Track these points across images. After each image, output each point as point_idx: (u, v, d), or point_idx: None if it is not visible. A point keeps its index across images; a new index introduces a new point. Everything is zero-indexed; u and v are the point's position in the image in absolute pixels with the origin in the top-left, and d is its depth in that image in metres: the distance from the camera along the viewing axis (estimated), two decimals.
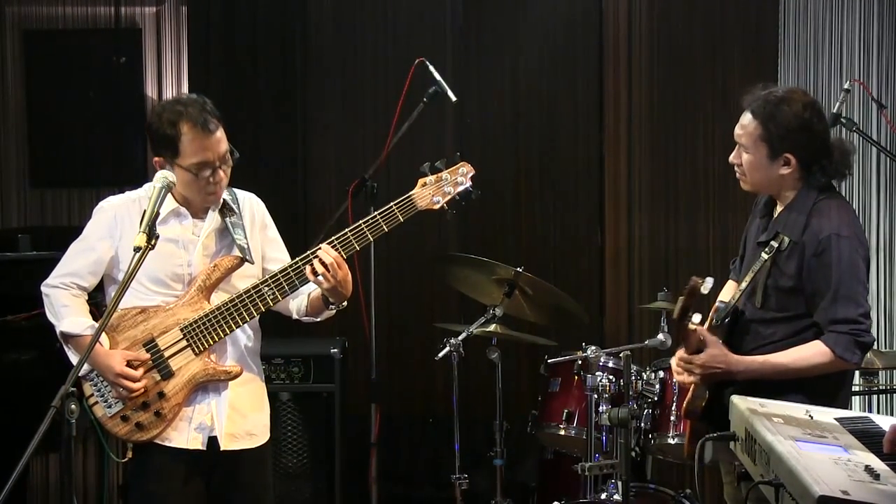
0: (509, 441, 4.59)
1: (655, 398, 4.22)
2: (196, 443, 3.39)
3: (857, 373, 4.70)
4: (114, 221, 3.41)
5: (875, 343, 5.37)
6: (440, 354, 4.43)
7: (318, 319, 3.56)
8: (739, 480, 3.29)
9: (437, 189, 3.41)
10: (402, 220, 3.37)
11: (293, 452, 4.85)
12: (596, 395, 4.23)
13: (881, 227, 5.59)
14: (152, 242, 2.92)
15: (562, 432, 4.43)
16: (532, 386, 5.24)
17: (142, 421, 3.35)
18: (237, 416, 3.44)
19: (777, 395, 2.98)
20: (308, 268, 3.32)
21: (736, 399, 2.83)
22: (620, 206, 5.77)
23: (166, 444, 3.38)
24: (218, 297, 3.40)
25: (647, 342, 4.28)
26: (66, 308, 3.38)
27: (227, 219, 3.44)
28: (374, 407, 4.68)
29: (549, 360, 4.49)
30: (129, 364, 3.32)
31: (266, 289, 3.35)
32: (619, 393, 4.22)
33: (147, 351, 3.35)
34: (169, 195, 3.27)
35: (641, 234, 5.75)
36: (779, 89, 3.35)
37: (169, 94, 5.95)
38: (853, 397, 5.08)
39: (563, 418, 4.41)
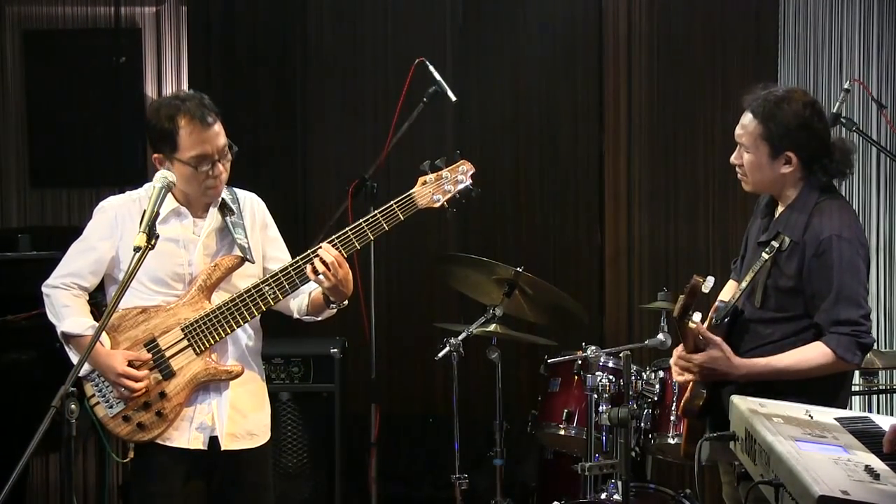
0: (509, 441, 4.59)
1: (655, 398, 4.22)
2: (197, 443, 3.39)
3: (856, 373, 4.70)
4: (114, 221, 3.41)
5: (875, 343, 5.40)
6: (440, 354, 4.43)
7: (319, 319, 3.56)
8: (739, 480, 3.29)
9: (438, 187, 3.41)
10: (402, 218, 3.37)
11: (293, 452, 4.85)
12: (596, 395, 4.23)
13: (881, 227, 5.59)
14: (152, 242, 2.92)
15: (562, 432, 4.43)
16: (532, 386, 5.24)
17: (143, 421, 3.35)
18: (238, 415, 3.44)
19: (776, 395, 2.98)
20: (309, 267, 3.32)
21: (736, 399, 2.83)
22: (620, 206, 5.77)
23: (168, 444, 3.38)
24: (219, 297, 3.40)
25: (647, 342, 4.28)
26: (67, 308, 3.38)
27: (228, 218, 3.44)
28: (374, 407, 4.68)
29: (549, 360, 4.49)
30: (130, 364, 3.32)
31: (267, 288, 3.35)
32: (619, 393, 4.22)
33: (148, 351, 3.35)
34: (169, 195, 3.28)
35: (641, 234, 5.75)
36: (779, 89, 3.35)
37: (169, 93, 5.95)
38: (853, 397, 5.09)
39: (563, 418, 4.41)
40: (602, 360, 4.32)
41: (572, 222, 5.87)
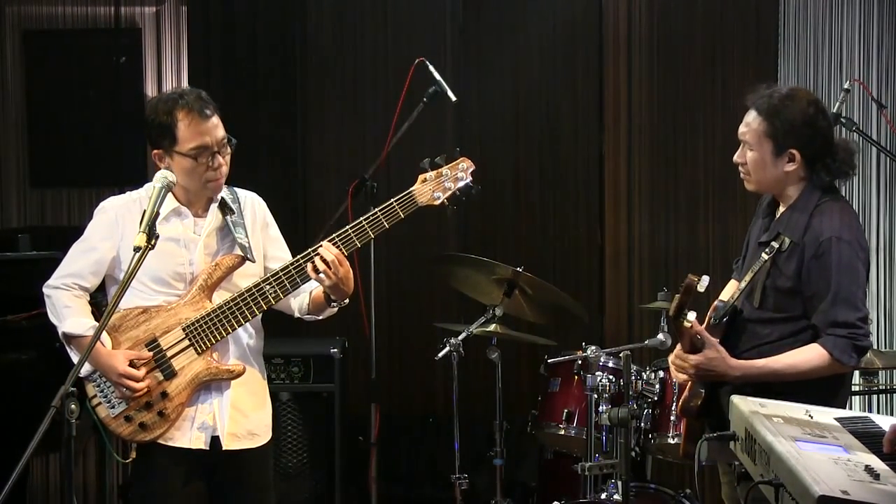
0: (509, 441, 4.59)
1: (655, 398, 4.22)
2: (199, 442, 3.39)
3: (857, 373, 4.70)
4: (115, 222, 3.41)
5: (875, 343, 5.41)
6: (440, 354, 4.43)
7: (320, 318, 3.56)
8: (739, 480, 3.29)
9: (438, 184, 3.40)
10: (402, 216, 3.37)
11: (293, 452, 4.85)
12: (596, 395, 4.22)
13: (881, 227, 5.59)
14: (152, 242, 2.92)
15: (562, 432, 4.43)
16: (532, 386, 5.24)
17: (145, 421, 3.35)
18: (239, 415, 3.44)
19: (775, 395, 2.98)
20: (309, 265, 3.32)
21: (736, 399, 2.83)
22: (620, 206, 5.77)
23: (169, 444, 3.38)
24: (220, 296, 3.40)
25: (647, 342, 4.28)
26: (68, 309, 3.38)
27: (228, 218, 3.44)
28: (374, 407, 4.68)
29: (549, 360, 4.49)
30: (131, 364, 3.32)
31: (267, 287, 3.35)
32: (619, 393, 4.22)
33: (149, 351, 3.35)
34: (170, 195, 3.28)
35: (641, 234, 5.75)
36: (783, 88, 3.36)
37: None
38: (853, 397, 5.09)
39: (563, 418, 4.41)
40: (602, 360, 4.32)
41: (572, 222, 5.87)
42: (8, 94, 6.03)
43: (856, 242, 3.23)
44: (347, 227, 3.36)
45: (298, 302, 3.55)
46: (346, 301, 3.45)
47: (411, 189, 3.39)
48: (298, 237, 4.92)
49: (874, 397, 5.42)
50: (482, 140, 5.80)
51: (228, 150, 3.40)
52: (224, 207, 3.46)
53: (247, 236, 3.45)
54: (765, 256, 3.29)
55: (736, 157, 3.39)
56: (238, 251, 3.41)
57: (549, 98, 5.87)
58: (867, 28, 5.58)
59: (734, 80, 5.59)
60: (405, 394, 5.80)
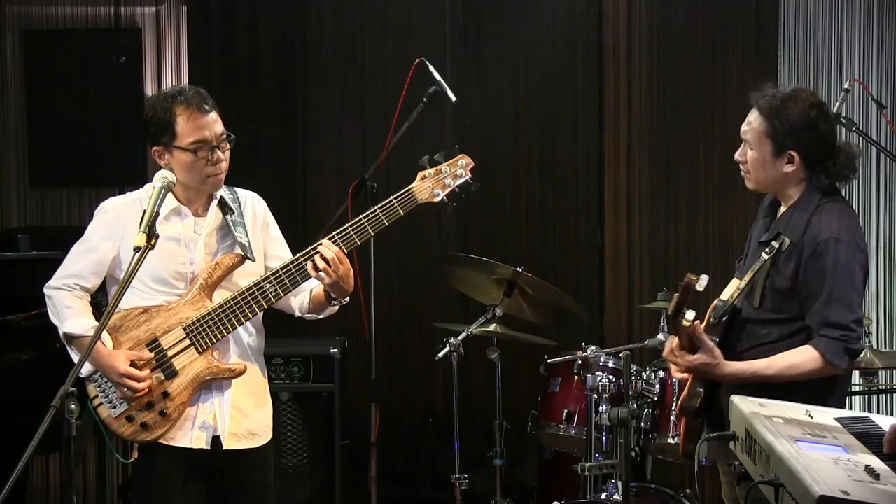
0: (509, 441, 4.59)
1: (655, 398, 4.22)
2: (200, 442, 3.39)
3: (856, 373, 4.70)
4: (115, 222, 3.41)
5: (875, 343, 5.41)
6: (440, 354, 4.43)
7: (321, 317, 3.56)
8: (739, 480, 3.29)
9: (437, 181, 3.40)
10: (402, 213, 3.37)
11: (293, 452, 4.85)
12: (596, 395, 4.22)
13: (881, 227, 5.59)
14: (152, 242, 2.92)
15: (562, 432, 4.43)
16: (532, 386, 5.24)
17: (147, 421, 3.35)
18: (239, 415, 3.44)
19: (774, 392, 2.99)
20: (309, 263, 3.32)
21: (736, 399, 2.83)
22: (620, 206, 5.77)
23: (171, 443, 3.37)
24: (220, 296, 3.40)
25: (647, 342, 4.28)
26: (69, 309, 3.37)
27: (228, 217, 3.45)
28: (374, 407, 4.68)
29: (549, 360, 4.49)
30: (132, 364, 3.31)
31: (268, 285, 3.35)
32: (619, 393, 4.22)
33: (150, 351, 3.35)
34: (170, 194, 3.28)
35: (641, 234, 5.75)
36: (787, 88, 3.35)
37: None
38: (853, 397, 5.09)
39: (563, 418, 4.41)
40: (602, 360, 4.32)
41: (572, 222, 5.87)
42: (8, 94, 6.03)
43: (854, 244, 3.22)
44: (347, 224, 3.36)
45: (299, 301, 3.55)
46: (347, 299, 3.45)
47: (410, 186, 3.39)
48: (298, 237, 4.91)
49: (874, 397, 5.42)
50: (482, 140, 5.80)
51: (228, 146, 3.40)
52: (224, 207, 3.46)
53: (247, 235, 3.45)
54: (765, 256, 3.29)
55: (737, 155, 3.39)
56: (238, 250, 3.41)
57: (549, 98, 5.87)
58: (867, 28, 5.59)
59: (734, 81, 5.60)
60: (405, 394, 5.80)
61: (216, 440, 3.40)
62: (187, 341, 3.35)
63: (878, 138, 5.43)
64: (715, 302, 3.39)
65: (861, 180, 5.53)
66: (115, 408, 3.35)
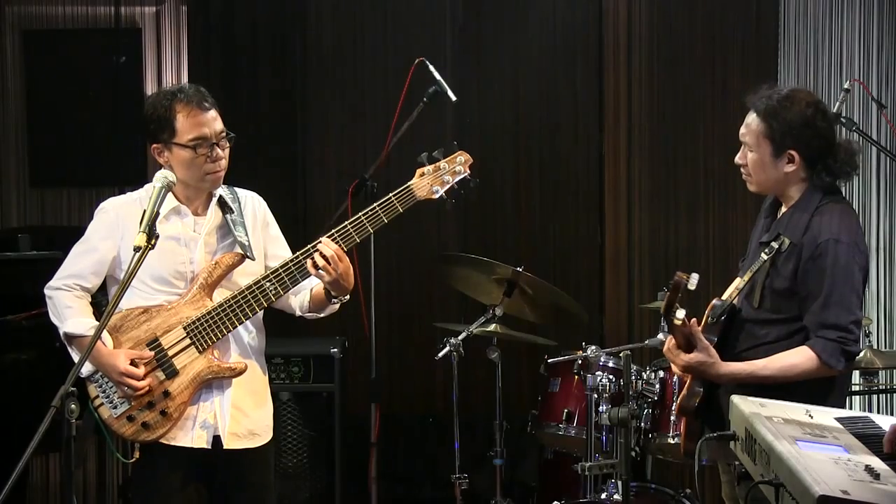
0: (509, 441, 4.59)
1: (655, 398, 4.22)
2: (201, 441, 3.38)
3: (856, 372, 4.70)
4: (115, 222, 3.41)
5: (875, 343, 5.41)
6: (440, 354, 4.43)
7: (322, 315, 3.56)
8: (739, 480, 3.29)
9: (436, 179, 3.41)
10: (401, 210, 3.37)
11: (293, 452, 4.85)
12: (596, 395, 4.22)
13: (881, 227, 5.59)
14: (152, 242, 2.92)
15: (562, 432, 4.43)
16: (532, 386, 5.24)
17: (148, 420, 3.35)
18: (240, 414, 3.44)
19: (774, 392, 2.99)
20: (309, 261, 3.32)
21: (736, 399, 2.83)
22: (620, 206, 5.77)
23: (172, 443, 3.37)
24: (220, 295, 3.40)
25: (647, 342, 4.27)
26: (69, 309, 3.37)
27: (228, 216, 3.45)
28: (374, 407, 4.68)
29: (549, 360, 4.49)
30: (133, 363, 3.31)
31: (267, 284, 3.35)
32: (619, 393, 4.21)
33: (151, 350, 3.35)
34: (169, 194, 3.28)
35: (641, 234, 5.76)
36: (783, 89, 3.35)
37: None
38: (853, 397, 5.09)
39: (563, 418, 4.41)
40: (602, 359, 4.31)
41: (572, 222, 5.87)
42: (8, 94, 6.03)
43: (854, 246, 3.22)
44: (346, 222, 3.36)
45: (299, 300, 3.55)
46: (347, 297, 3.45)
47: (409, 183, 3.40)
48: (299, 237, 4.92)
49: (874, 397, 5.42)
50: (482, 140, 5.80)
51: (227, 144, 3.41)
52: (223, 206, 3.46)
53: (247, 235, 3.45)
54: (764, 256, 3.29)
55: (737, 159, 3.39)
56: (238, 250, 3.41)
57: (549, 98, 5.87)
58: (867, 28, 5.59)
59: (734, 81, 5.60)
60: (405, 394, 5.80)
61: (217, 440, 3.40)
62: (187, 340, 3.35)
63: (878, 138, 5.44)
64: (714, 301, 3.39)
65: (861, 180, 5.53)
66: (115, 408, 3.35)
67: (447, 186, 3.41)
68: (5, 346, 4.44)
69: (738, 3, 5.70)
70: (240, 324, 3.38)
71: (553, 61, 5.86)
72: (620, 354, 4.04)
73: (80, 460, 4.84)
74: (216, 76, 5.87)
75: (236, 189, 3.56)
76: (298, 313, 3.58)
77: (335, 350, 4.85)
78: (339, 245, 3.32)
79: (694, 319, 3.26)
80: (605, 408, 4.19)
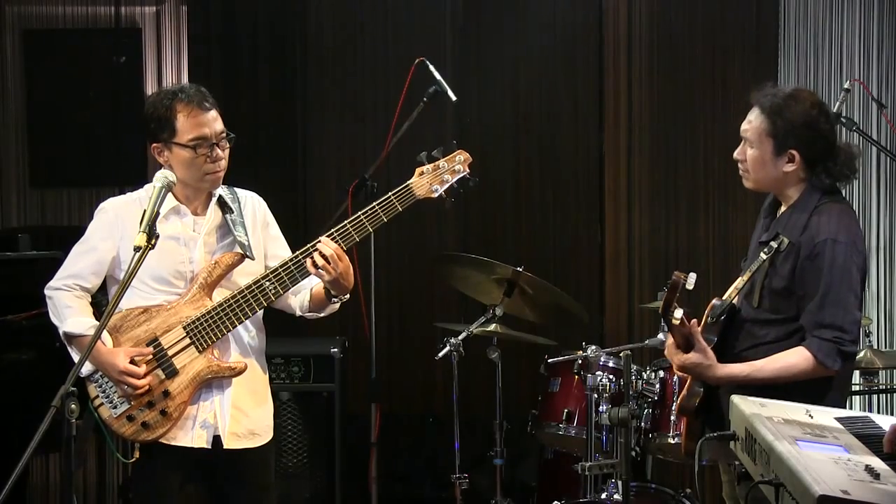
0: (509, 441, 4.59)
1: (655, 398, 4.22)
2: (201, 441, 3.38)
3: (857, 372, 4.70)
4: (115, 222, 3.41)
5: (875, 343, 5.41)
6: (440, 354, 4.43)
7: (322, 315, 3.56)
8: (739, 480, 3.28)
9: (435, 177, 3.41)
10: (400, 209, 3.37)
11: (293, 452, 4.85)
12: (596, 395, 4.22)
13: (881, 227, 5.59)
14: (152, 242, 2.92)
15: (562, 432, 4.43)
16: (532, 386, 5.24)
17: (148, 420, 3.35)
18: (240, 414, 3.44)
19: (773, 391, 2.99)
20: (308, 261, 3.32)
21: (736, 399, 2.83)
22: (620, 206, 5.77)
23: (172, 443, 3.37)
24: (220, 295, 3.40)
25: (647, 342, 4.28)
26: (69, 309, 3.38)
27: (228, 216, 3.45)
28: (374, 407, 4.68)
29: (549, 360, 4.49)
30: (132, 361, 3.31)
31: (267, 283, 3.35)
32: (619, 393, 4.21)
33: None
34: (169, 194, 3.28)
35: (641, 234, 5.76)
36: (788, 87, 3.35)
37: None
38: (853, 397, 5.09)
39: (563, 418, 4.41)
40: (602, 359, 4.31)
41: (572, 222, 5.87)
42: (8, 94, 6.03)
43: (852, 246, 3.22)
44: (346, 221, 3.36)
45: (299, 300, 3.55)
46: (347, 296, 3.45)
47: (409, 182, 3.40)
48: (299, 237, 4.92)
49: (874, 397, 5.42)
50: (482, 140, 5.80)
51: (227, 144, 3.41)
52: (223, 206, 3.46)
53: (246, 235, 3.45)
54: (763, 256, 3.29)
55: (736, 154, 3.39)
56: (238, 249, 3.41)
57: (549, 98, 5.87)
58: (867, 28, 5.59)
59: (734, 81, 5.60)
60: (405, 394, 5.80)
61: (217, 439, 3.40)
62: (187, 340, 3.35)
63: (879, 138, 5.44)
64: (713, 301, 3.39)
65: (861, 180, 5.53)
66: (115, 407, 3.35)
67: (446, 185, 3.41)
68: (5, 346, 4.44)
69: (738, 4, 5.70)
70: (239, 323, 3.38)
71: (553, 61, 5.86)
72: (620, 354, 4.03)
73: (80, 460, 4.84)
74: (216, 76, 5.87)
75: (236, 189, 3.56)
76: (298, 313, 3.58)
77: (335, 350, 4.86)
78: (339, 244, 3.32)
79: (694, 320, 3.26)
80: (605, 408, 4.19)
